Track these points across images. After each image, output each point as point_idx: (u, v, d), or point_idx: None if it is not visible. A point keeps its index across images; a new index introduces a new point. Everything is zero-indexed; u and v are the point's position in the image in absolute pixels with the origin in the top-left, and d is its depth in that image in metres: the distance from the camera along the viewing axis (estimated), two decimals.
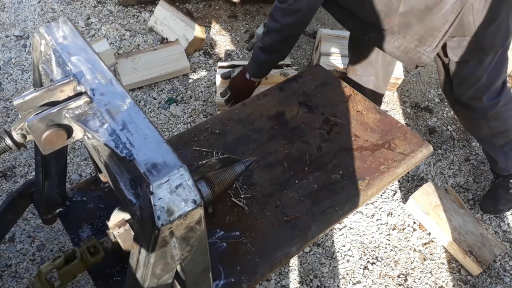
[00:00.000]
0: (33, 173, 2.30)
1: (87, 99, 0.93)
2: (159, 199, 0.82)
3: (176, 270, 1.01)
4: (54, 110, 0.89)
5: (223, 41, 3.13)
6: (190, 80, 2.84)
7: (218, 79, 2.51)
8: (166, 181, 0.83)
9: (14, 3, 3.30)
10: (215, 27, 3.24)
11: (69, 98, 0.96)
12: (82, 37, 1.08)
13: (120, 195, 0.95)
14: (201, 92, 2.77)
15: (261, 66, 2.08)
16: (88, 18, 3.22)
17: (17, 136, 0.95)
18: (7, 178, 2.28)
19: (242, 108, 1.94)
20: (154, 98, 2.72)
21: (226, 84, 2.32)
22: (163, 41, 3.05)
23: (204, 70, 2.91)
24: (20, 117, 0.95)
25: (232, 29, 3.23)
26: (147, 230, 0.86)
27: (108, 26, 3.16)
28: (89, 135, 0.96)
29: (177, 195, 0.83)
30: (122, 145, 0.87)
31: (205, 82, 2.84)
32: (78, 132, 0.96)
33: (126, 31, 3.13)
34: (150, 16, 3.20)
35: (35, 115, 0.89)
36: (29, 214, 2.12)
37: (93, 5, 3.33)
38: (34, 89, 0.95)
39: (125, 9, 3.31)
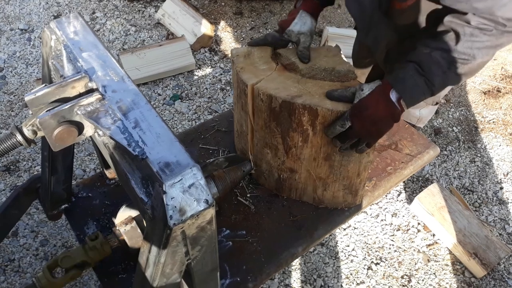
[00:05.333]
0: (37, 167, 2.29)
1: (99, 96, 0.93)
2: (171, 198, 0.81)
3: (185, 269, 1.01)
4: (66, 107, 0.88)
5: (228, 38, 3.12)
6: (195, 77, 2.83)
7: None
8: (179, 181, 0.82)
9: None
10: (221, 23, 3.22)
11: (80, 95, 0.95)
12: (93, 33, 1.07)
13: (130, 193, 0.94)
14: (206, 89, 2.76)
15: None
16: (93, 13, 3.20)
17: (28, 133, 0.94)
18: (11, 172, 2.27)
19: None
20: (159, 94, 2.71)
21: None
22: (169, 37, 3.04)
23: (209, 67, 2.90)
24: (31, 113, 0.94)
25: (237, 26, 3.21)
26: (158, 229, 0.85)
27: (113, 20, 3.14)
28: (100, 132, 0.95)
29: (189, 195, 0.83)
30: (134, 143, 0.86)
31: (210, 79, 2.82)
32: (88, 129, 0.95)
33: (131, 26, 3.12)
34: (156, 11, 3.19)
35: (47, 111, 0.88)
36: (32, 209, 2.11)
37: None
38: (45, 85, 0.94)
39: (130, 4, 3.29)
